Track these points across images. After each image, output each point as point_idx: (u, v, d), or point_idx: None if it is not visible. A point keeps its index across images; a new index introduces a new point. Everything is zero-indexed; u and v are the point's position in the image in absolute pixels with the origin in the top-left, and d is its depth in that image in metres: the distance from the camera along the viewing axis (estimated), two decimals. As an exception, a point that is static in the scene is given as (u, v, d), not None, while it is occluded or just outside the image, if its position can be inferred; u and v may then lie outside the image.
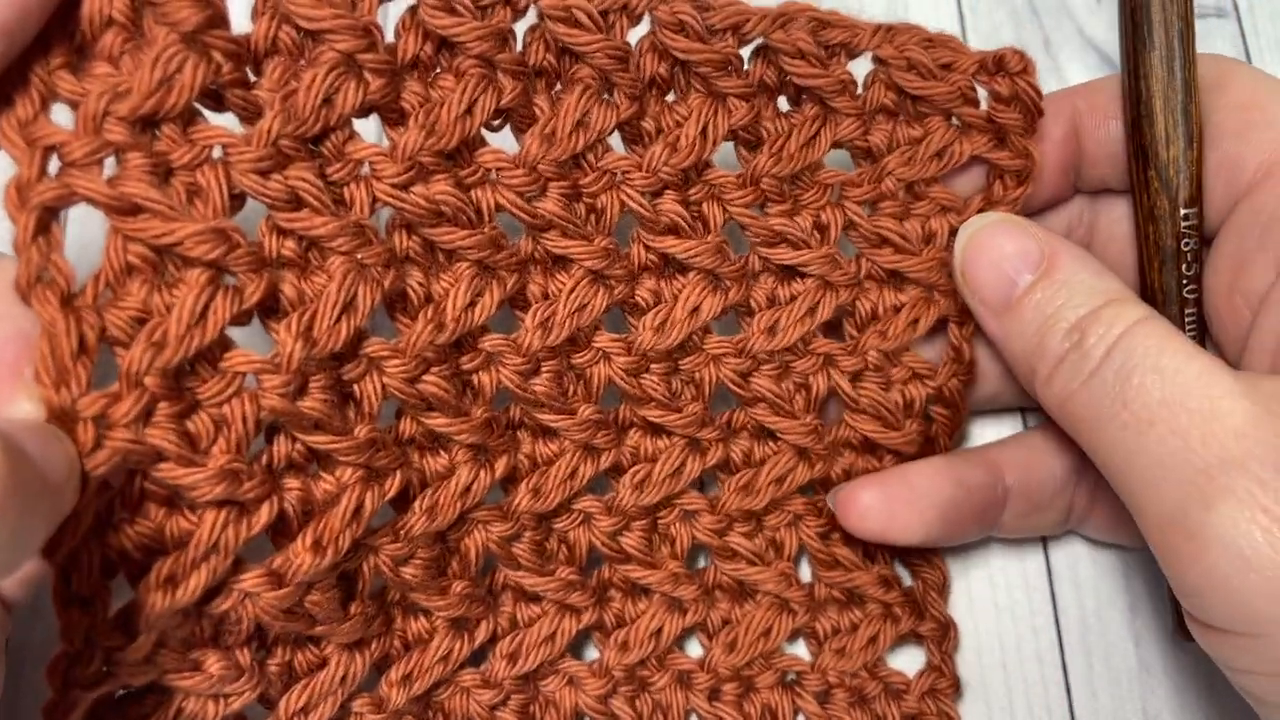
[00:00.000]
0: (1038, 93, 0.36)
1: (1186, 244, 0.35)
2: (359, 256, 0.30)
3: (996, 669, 0.42)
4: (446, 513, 0.34)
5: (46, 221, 0.27)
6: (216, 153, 0.29)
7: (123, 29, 0.28)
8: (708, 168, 0.36)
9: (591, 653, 0.40)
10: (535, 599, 0.38)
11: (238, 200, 0.29)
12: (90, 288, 0.28)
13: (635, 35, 0.34)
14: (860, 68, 0.37)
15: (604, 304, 0.35)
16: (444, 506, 0.34)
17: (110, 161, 0.28)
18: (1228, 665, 0.32)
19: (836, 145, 0.37)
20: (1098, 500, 0.40)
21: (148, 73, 0.27)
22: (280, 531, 0.31)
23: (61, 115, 0.28)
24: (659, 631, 0.39)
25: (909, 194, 0.38)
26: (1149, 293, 0.36)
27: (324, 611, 0.32)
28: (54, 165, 0.28)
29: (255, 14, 0.29)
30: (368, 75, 0.30)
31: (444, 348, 0.33)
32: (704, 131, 0.34)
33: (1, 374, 0.26)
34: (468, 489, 0.34)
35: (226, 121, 0.30)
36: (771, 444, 0.39)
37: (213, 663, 0.31)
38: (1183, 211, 0.35)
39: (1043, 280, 0.34)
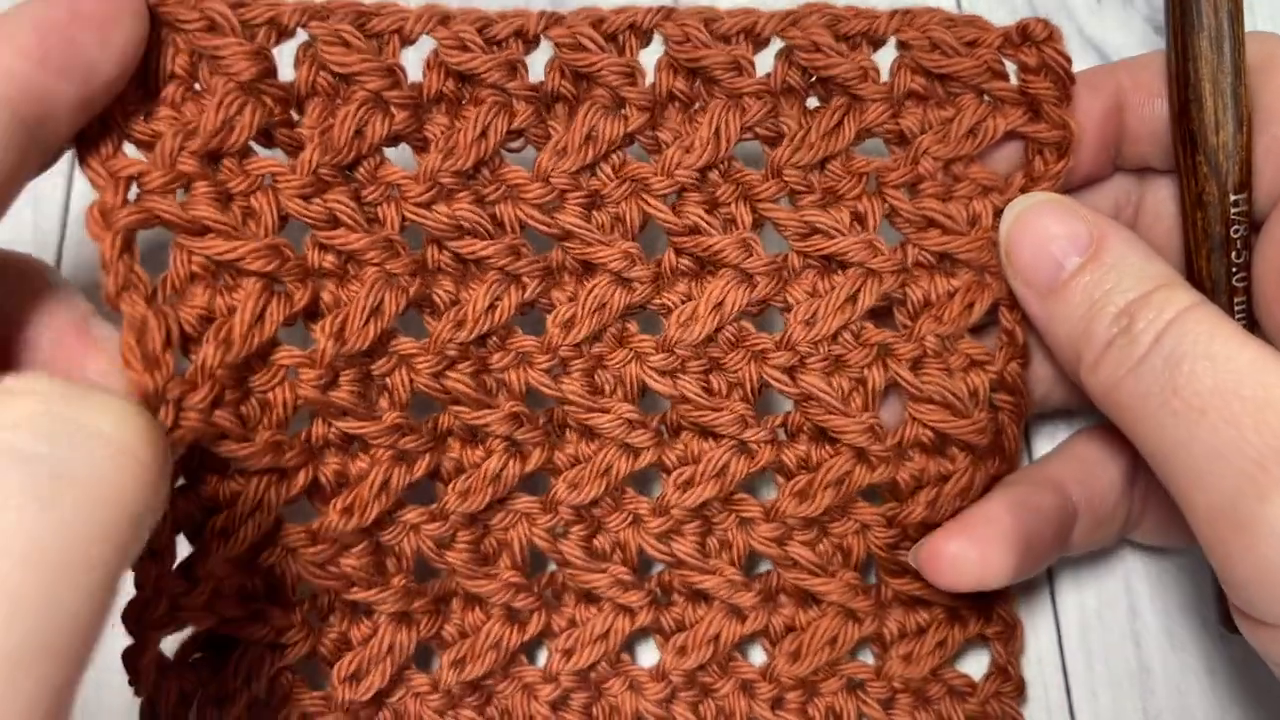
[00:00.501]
0: (1067, 59, 0.36)
1: (1236, 231, 0.34)
2: (388, 267, 0.34)
3: (997, 670, 0.41)
4: (478, 496, 0.36)
5: (129, 240, 0.31)
6: (268, 180, 0.33)
7: (182, 81, 0.33)
8: (733, 169, 0.36)
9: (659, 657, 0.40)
10: (593, 599, 0.38)
11: (284, 220, 0.34)
12: (160, 291, 0.32)
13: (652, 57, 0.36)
14: (885, 62, 0.36)
15: (624, 302, 0.36)
16: (476, 490, 0.36)
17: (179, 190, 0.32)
18: (1276, 662, 0.31)
19: (868, 134, 0.37)
20: (1150, 502, 0.39)
21: (213, 115, 0.32)
22: (323, 501, 0.36)
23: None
24: (717, 637, 0.38)
25: (948, 175, 0.37)
26: (1196, 280, 0.35)
27: (360, 575, 0.36)
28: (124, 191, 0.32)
29: (296, 63, 0.34)
30: (394, 109, 0.34)
31: (467, 346, 0.36)
32: (716, 131, 0.35)
33: (68, 352, 0.31)
34: (498, 475, 0.36)
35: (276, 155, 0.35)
36: (829, 447, 0.37)
37: (270, 613, 0.36)
38: (1232, 197, 0.34)
39: (1091, 263, 0.33)
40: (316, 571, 0.36)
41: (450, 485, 0.36)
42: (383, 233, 0.34)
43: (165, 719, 0.35)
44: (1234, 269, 0.34)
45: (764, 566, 0.40)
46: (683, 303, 0.37)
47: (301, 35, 0.34)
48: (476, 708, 0.38)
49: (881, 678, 0.39)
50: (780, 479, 0.38)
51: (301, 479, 0.35)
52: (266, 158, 0.34)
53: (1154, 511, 0.39)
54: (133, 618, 0.34)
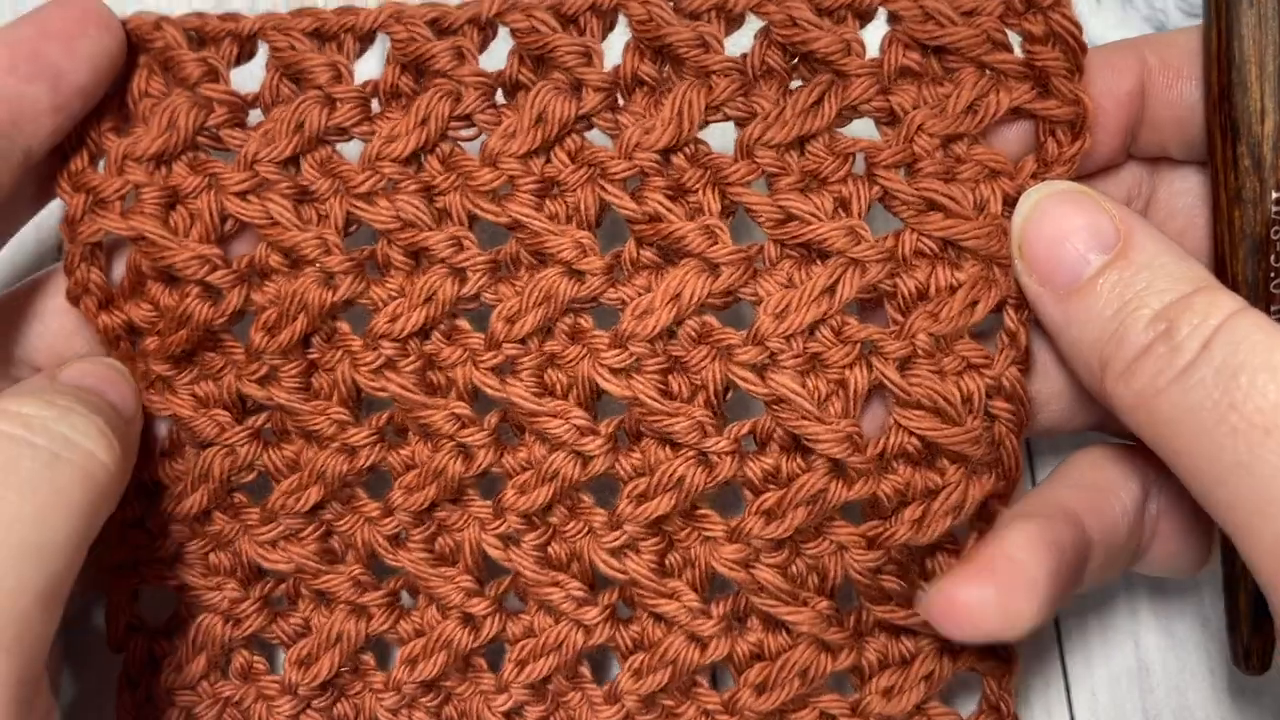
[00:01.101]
0: (1077, 26, 0.32)
1: (1276, 231, 0.32)
2: (322, 264, 0.34)
3: (996, 670, 0.39)
4: (421, 494, 0.36)
5: (91, 250, 0.35)
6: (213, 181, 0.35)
7: (156, 100, 0.35)
8: (701, 152, 0.34)
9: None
10: (550, 611, 0.36)
11: (229, 218, 0.35)
12: (119, 292, 0.36)
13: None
14: (876, 42, 0.34)
15: (571, 294, 0.34)
16: (419, 487, 0.36)
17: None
18: None
19: (854, 113, 0.34)
20: (1157, 536, 0.35)
21: (156, 119, 0.34)
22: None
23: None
24: (674, 662, 0.35)
25: (948, 155, 0.33)
26: (1228, 286, 0.32)
27: (309, 562, 0.36)
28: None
29: (266, 67, 0.35)
30: (337, 102, 0.34)
31: (407, 342, 0.35)
32: (679, 110, 0.33)
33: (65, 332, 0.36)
34: (440, 472, 0.35)
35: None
36: (802, 460, 0.34)
37: (226, 584, 0.37)
38: (1274, 195, 0.31)
39: (1119, 260, 0.30)
40: (264, 553, 0.36)
41: (397, 480, 0.36)
42: (317, 230, 0.34)
43: (133, 676, 0.37)
44: (1273, 274, 0.32)
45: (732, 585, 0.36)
46: (640, 295, 0.34)
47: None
48: (432, 710, 0.37)
49: (858, 714, 0.35)
50: (748, 494, 0.34)
51: (245, 454, 0.36)
52: (215, 159, 0.35)
53: (1163, 543, 0.35)
54: (104, 566, 0.37)
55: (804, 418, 0.33)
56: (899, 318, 0.34)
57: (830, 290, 0.33)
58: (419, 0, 0.34)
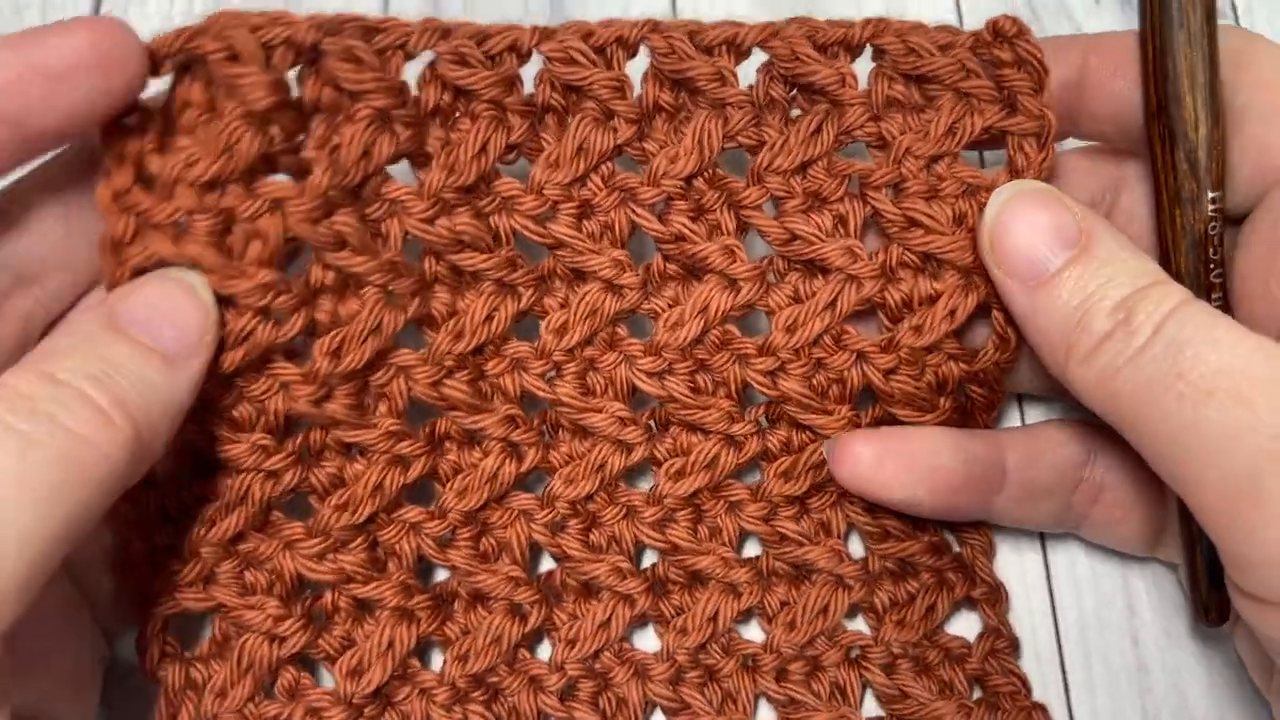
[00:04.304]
0: (1039, 50, 0.36)
1: (1213, 227, 0.34)
2: (390, 288, 0.36)
3: (995, 668, 0.41)
4: (476, 495, 0.38)
5: (136, 272, 0.33)
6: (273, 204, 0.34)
7: (199, 108, 0.33)
8: (718, 176, 0.37)
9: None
10: (592, 592, 0.40)
11: (292, 240, 0.34)
12: None
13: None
14: (864, 76, 0.37)
15: (614, 309, 0.38)
16: (473, 489, 0.38)
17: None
18: None
19: (849, 138, 0.37)
20: (1099, 502, 0.39)
21: (214, 144, 0.33)
22: (319, 499, 0.38)
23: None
24: (715, 615, 0.39)
25: (931, 174, 0.37)
26: (1171, 275, 0.35)
27: (358, 571, 0.38)
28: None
29: (299, 79, 0.34)
30: (398, 128, 0.34)
31: (464, 355, 0.37)
32: (700, 140, 0.36)
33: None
34: (494, 475, 0.38)
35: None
36: (809, 433, 0.39)
37: (268, 603, 0.37)
38: (1210, 195, 0.34)
39: (1082, 256, 0.33)
40: (312, 566, 0.37)
41: (448, 485, 0.38)
42: (387, 255, 0.35)
43: (174, 705, 0.37)
44: (1212, 266, 0.34)
45: (750, 555, 0.41)
46: (670, 307, 0.38)
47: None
48: (484, 703, 0.39)
49: (879, 644, 0.40)
50: (764, 463, 0.40)
51: (289, 479, 0.37)
52: (273, 181, 0.34)
53: (1106, 511, 0.39)
54: (136, 595, 0.37)
55: (810, 411, 0.38)
56: (888, 324, 0.38)
57: (831, 305, 0.38)
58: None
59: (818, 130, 0.37)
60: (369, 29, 0.34)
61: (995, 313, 0.37)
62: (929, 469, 0.37)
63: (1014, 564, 0.43)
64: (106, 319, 0.31)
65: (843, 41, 0.37)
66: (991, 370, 0.38)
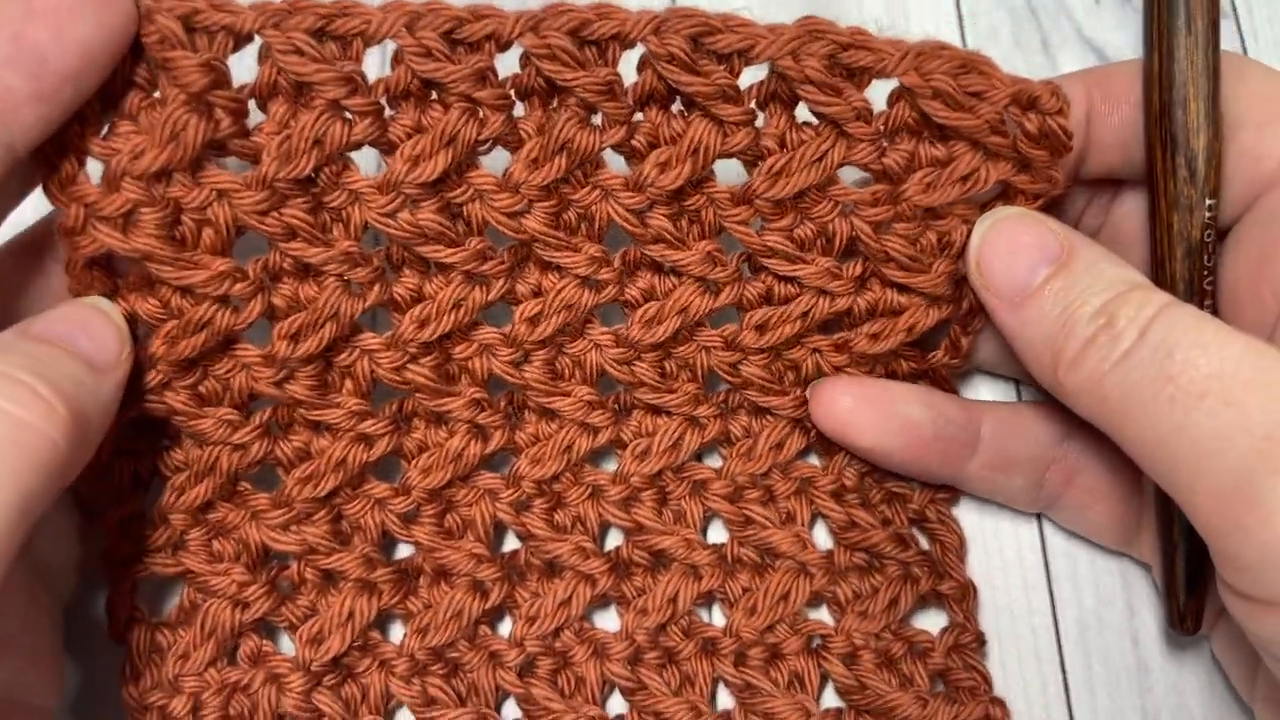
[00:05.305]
0: (1069, 135, 0.35)
1: (1208, 235, 0.34)
2: (348, 277, 0.36)
3: (995, 668, 0.41)
4: (440, 473, 0.39)
5: (91, 262, 0.34)
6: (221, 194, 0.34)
7: (140, 89, 0.33)
8: (706, 181, 0.37)
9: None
10: (555, 572, 0.40)
11: (242, 229, 0.34)
12: (125, 290, 0.35)
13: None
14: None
15: (590, 303, 0.38)
16: (438, 467, 0.39)
17: None
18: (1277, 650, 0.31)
19: (850, 164, 0.36)
20: (1073, 485, 0.40)
21: (158, 133, 0.32)
22: (285, 471, 0.39)
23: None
24: (675, 597, 0.39)
25: (929, 214, 0.37)
26: (1166, 284, 0.35)
27: (321, 543, 0.38)
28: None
29: (260, 59, 0.33)
30: (354, 117, 0.34)
31: (430, 342, 0.37)
32: (694, 153, 0.35)
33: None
34: (459, 454, 0.39)
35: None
36: (769, 417, 0.41)
37: (234, 569, 0.38)
38: (1208, 202, 0.34)
39: (1063, 270, 0.34)
40: (276, 536, 0.38)
41: (413, 462, 0.39)
42: (342, 245, 0.35)
43: (137, 668, 0.37)
44: (1205, 272, 0.35)
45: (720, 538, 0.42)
46: (645, 299, 0.38)
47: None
48: (443, 677, 0.39)
49: (840, 634, 0.40)
50: (725, 449, 0.41)
51: (256, 451, 0.38)
52: (221, 171, 0.34)
53: (1078, 496, 0.40)
54: (105, 558, 0.38)
55: (768, 394, 0.40)
56: (848, 334, 0.39)
57: (804, 316, 0.38)
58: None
59: (821, 159, 0.35)
60: (324, 15, 0.32)
61: (954, 326, 0.39)
62: (903, 419, 0.38)
63: (1014, 563, 0.43)
64: (22, 331, 0.32)
65: (870, 69, 0.34)
66: (940, 370, 0.39)
